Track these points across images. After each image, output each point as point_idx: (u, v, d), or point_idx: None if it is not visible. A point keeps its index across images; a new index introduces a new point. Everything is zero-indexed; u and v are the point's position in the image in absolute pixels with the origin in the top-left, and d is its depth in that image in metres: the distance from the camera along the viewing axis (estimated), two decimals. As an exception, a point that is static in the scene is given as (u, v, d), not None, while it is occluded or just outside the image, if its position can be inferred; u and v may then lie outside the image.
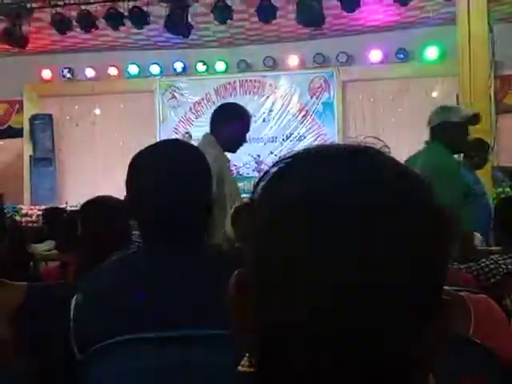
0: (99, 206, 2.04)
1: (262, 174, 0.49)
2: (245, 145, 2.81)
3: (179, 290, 1.02)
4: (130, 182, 1.13)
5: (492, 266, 2.19)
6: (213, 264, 1.06)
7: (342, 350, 0.41)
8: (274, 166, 0.48)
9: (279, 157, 0.49)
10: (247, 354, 0.47)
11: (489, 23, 4.91)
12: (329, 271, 0.42)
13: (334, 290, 0.41)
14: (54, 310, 1.15)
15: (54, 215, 4.25)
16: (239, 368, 0.47)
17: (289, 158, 0.48)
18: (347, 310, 0.41)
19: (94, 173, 7.73)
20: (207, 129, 2.79)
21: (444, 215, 0.46)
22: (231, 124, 2.67)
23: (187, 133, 7.06)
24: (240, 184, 7.74)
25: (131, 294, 1.01)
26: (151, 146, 1.18)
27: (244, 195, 7.70)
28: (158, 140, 6.88)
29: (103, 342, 0.98)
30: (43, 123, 7.37)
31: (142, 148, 1.15)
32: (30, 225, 5.94)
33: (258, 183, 0.48)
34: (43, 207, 5.66)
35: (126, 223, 1.97)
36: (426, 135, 2.93)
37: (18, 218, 5.92)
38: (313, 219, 0.42)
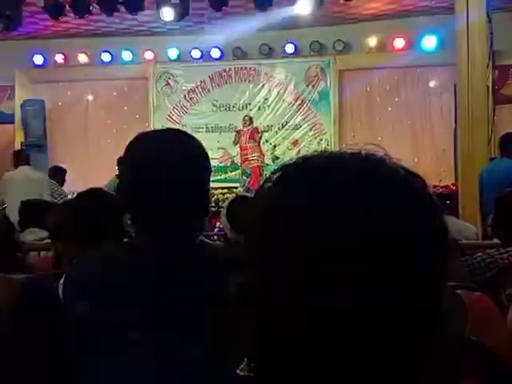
0: (94, 197, 2.04)
1: (265, 177, 0.49)
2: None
3: (155, 285, 1.00)
4: (126, 174, 1.08)
5: (488, 261, 2.17)
6: (199, 263, 1.04)
7: (348, 347, 0.41)
8: (277, 171, 0.48)
9: (284, 162, 0.49)
10: (246, 359, 0.47)
11: (487, 12, 4.85)
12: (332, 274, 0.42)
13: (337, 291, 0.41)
14: (48, 304, 1.15)
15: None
16: (238, 372, 0.47)
17: (293, 164, 0.47)
18: (353, 310, 0.41)
19: (86, 160, 7.66)
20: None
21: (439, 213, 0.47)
22: None
23: None
24: (235, 172, 7.68)
25: (105, 284, 0.99)
26: (147, 136, 1.13)
27: (237, 184, 7.55)
28: (152, 127, 6.85)
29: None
30: (35, 109, 7.27)
31: (137, 135, 1.11)
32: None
33: (261, 186, 0.48)
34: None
35: (119, 216, 1.95)
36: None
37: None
38: (317, 230, 0.42)
